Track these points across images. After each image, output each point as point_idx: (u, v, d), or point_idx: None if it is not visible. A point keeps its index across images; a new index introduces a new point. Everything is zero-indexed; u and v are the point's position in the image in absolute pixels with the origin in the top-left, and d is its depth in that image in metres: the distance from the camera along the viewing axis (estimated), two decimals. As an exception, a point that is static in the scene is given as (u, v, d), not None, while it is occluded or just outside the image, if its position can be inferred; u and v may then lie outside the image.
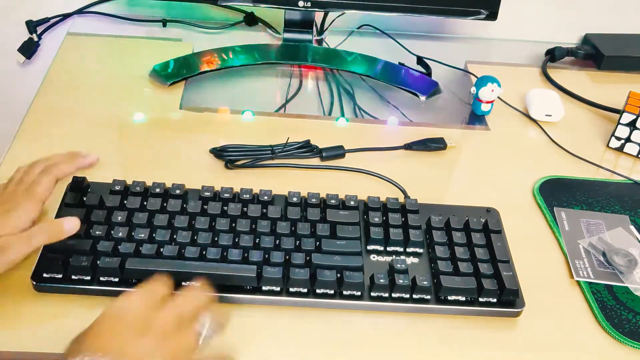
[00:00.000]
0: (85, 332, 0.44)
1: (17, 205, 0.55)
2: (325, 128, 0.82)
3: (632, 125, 0.81)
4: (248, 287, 0.58)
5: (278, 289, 0.58)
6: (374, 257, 0.62)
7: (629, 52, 1.00)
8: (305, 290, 0.58)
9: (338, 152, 0.76)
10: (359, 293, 0.58)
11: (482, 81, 0.84)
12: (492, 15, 0.88)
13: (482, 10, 0.87)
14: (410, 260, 0.62)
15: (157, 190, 0.65)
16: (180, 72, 0.88)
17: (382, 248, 0.63)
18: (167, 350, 0.43)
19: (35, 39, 1.00)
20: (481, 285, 0.58)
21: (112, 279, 0.57)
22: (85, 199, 0.63)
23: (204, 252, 0.58)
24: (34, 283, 0.56)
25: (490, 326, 0.59)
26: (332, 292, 0.58)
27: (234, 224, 0.62)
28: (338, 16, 1.01)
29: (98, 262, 0.57)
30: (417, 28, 1.05)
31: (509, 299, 0.59)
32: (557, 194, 0.74)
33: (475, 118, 0.87)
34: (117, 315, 0.44)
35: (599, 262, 0.65)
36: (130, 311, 0.45)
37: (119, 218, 0.61)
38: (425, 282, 0.58)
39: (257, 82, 0.92)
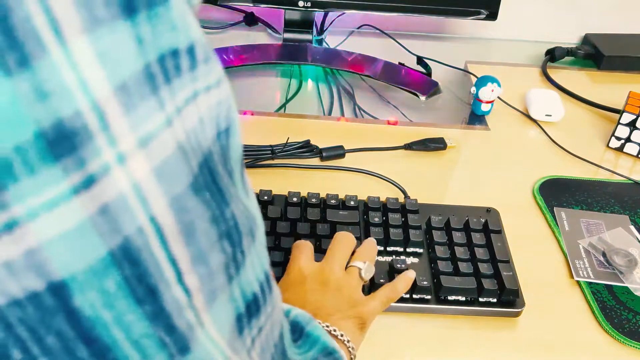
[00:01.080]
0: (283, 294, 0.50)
1: None
2: (325, 128, 0.82)
3: (632, 125, 0.81)
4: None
5: (278, 289, 0.58)
6: (374, 257, 0.62)
7: (629, 52, 1.00)
8: (305, 290, 0.58)
9: (338, 152, 0.76)
10: (359, 293, 0.58)
11: (482, 81, 0.84)
12: (492, 15, 0.88)
13: (482, 11, 0.87)
14: (410, 260, 0.62)
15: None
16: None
17: (382, 248, 0.63)
18: (346, 295, 0.50)
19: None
20: (481, 285, 0.58)
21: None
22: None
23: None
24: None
25: (491, 326, 0.59)
26: (332, 292, 0.58)
27: (234, 224, 0.62)
28: (338, 16, 1.01)
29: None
30: (417, 28, 1.05)
31: (509, 299, 0.59)
32: (557, 194, 0.74)
33: (475, 118, 0.87)
34: (299, 278, 0.51)
35: (599, 262, 0.65)
36: (305, 271, 0.51)
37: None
38: (425, 282, 0.58)
39: (257, 82, 0.92)
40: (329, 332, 0.47)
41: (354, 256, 0.54)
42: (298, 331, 0.40)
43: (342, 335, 0.47)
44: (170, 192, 0.22)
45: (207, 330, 0.24)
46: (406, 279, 0.55)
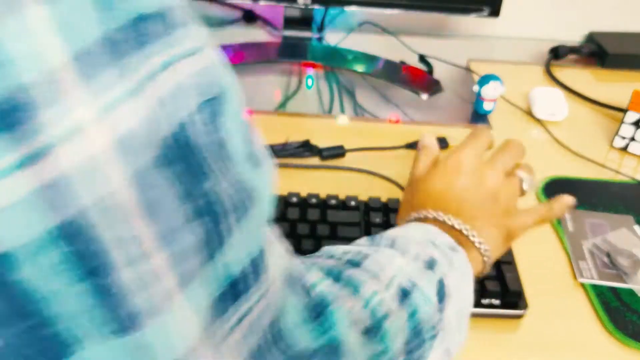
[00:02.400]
0: (424, 183, 0.49)
1: None
2: (325, 127, 0.81)
3: (636, 124, 0.80)
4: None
5: (277, 290, 0.57)
6: (374, 258, 0.61)
7: (633, 50, 0.99)
8: (304, 291, 0.57)
9: (338, 151, 0.75)
10: (359, 295, 0.57)
11: (485, 79, 0.83)
12: (495, 13, 0.87)
13: (484, 7, 0.87)
14: (412, 261, 0.61)
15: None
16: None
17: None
18: (501, 203, 0.49)
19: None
20: (484, 287, 0.58)
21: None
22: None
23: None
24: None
25: (493, 328, 0.58)
26: (331, 293, 0.57)
27: (232, 225, 0.61)
28: (338, 13, 1.01)
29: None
30: (419, 26, 1.04)
31: (512, 300, 0.58)
32: (560, 194, 0.73)
33: (478, 117, 0.86)
34: (456, 169, 0.49)
35: (603, 263, 0.64)
36: (466, 165, 0.49)
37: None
38: (426, 284, 0.57)
39: (256, 81, 0.91)
40: (467, 235, 0.45)
41: (519, 167, 0.53)
42: (319, 310, 0.35)
43: (479, 243, 0.46)
44: (133, 165, 0.20)
45: (175, 311, 0.23)
46: (563, 201, 0.53)
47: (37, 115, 0.19)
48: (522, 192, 0.51)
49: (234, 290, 0.26)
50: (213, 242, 0.24)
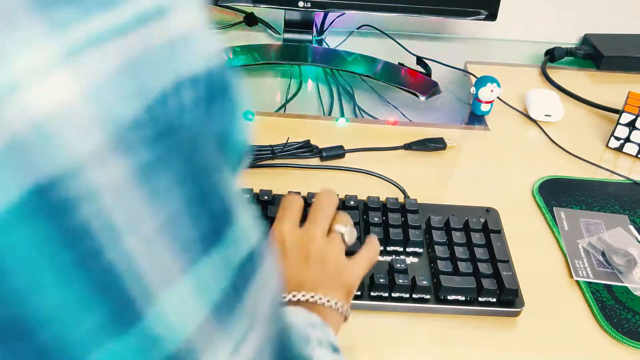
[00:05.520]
0: None
1: None
2: (325, 128, 0.82)
3: (631, 125, 0.81)
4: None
5: (278, 288, 0.58)
6: (373, 257, 0.62)
7: (628, 52, 1.00)
8: (305, 290, 0.58)
9: (338, 152, 0.76)
10: (358, 292, 0.58)
11: (482, 81, 0.84)
12: (492, 16, 0.88)
13: (481, 11, 0.88)
14: (410, 260, 0.62)
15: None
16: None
17: (382, 248, 0.63)
18: (330, 265, 0.48)
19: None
20: (481, 285, 0.59)
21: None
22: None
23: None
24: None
25: (490, 326, 0.59)
26: (332, 291, 0.58)
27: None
28: (338, 16, 1.01)
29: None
30: (417, 28, 1.05)
31: (508, 298, 0.59)
32: (556, 193, 0.74)
33: (475, 118, 0.87)
34: (281, 250, 0.49)
35: (598, 262, 0.65)
36: (287, 243, 0.49)
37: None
38: (424, 282, 0.58)
39: (257, 83, 0.92)
40: (319, 304, 0.45)
41: (334, 219, 0.52)
42: None
43: (329, 302, 0.46)
44: (110, 124, 0.17)
45: (174, 296, 0.21)
46: (372, 240, 0.54)
47: None
48: (346, 245, 0.52)
49: (242, 272, 0.24)
50: (222, 221, 0.22)
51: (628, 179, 0.78)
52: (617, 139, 0.82)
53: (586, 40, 1.04)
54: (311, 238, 0.50)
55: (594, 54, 1.00)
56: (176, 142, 0.20)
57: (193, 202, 0.20)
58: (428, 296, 0.59)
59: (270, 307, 0.26)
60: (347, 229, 0.52)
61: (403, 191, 0.72)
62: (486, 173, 0.77)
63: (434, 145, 0.79)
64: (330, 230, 0.52)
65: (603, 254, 0.66)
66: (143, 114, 0.18)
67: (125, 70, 0.18)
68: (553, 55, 0.99)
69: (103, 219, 0.18)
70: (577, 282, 0.63)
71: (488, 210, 0.68)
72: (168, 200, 0.19)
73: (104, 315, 0.19)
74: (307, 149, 0.76)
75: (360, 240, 0.55)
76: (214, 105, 0.21)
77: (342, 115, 0.85)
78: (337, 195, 0.55)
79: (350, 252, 0.52)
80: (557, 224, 0.70)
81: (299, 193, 0.66)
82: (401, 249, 0.63)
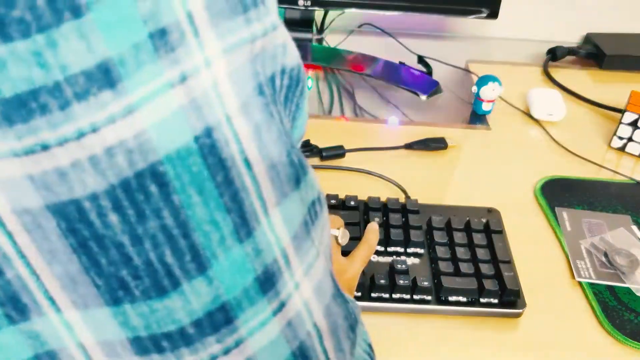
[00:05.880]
0: None
1: None
2: (325, 128, 0.82)
3: (634, 124, 0.80)
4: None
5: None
6: (374, 258, 0.62)
7: (631, 51, 1.00)
8: (305, 291, 0.58)
9: (338, 151, 0.76)
10: (359, 294, 0.58)
11: (483, 80, 0.84)
12: (493, 14, 0.88)
13: (483, 9, 0.87)
14: (411, 260, 0.62)
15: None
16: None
17: (382, 248, 0.62)
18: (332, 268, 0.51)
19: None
20: (482, 286, 0.58)
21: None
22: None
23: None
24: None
25: (492, 327, 0.58)
26: (332, 292, 0.58)
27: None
28: (338, 15, 1.01)
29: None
30: (418, 27, 1.05)
31: (510, 299, 0.59)
32: (558, 194, 0.74)
33: (476, 117, 0.86)
34: None
35: (600, 263, 0.65)
36: None
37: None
38: (425, 283, 0.58)
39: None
40: None
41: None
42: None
43: None
44: (240, 94, 0.25)
45: (272, 222, 0.27)
46: (373, 230, 0.56)
47: (183, 46, 0.23)
48: (340, 247, 0.54)
49: (311, 215, 0.30)
50: (300, 171, 0.29)
51: (631, 178, 0.77)
52: (620, 138, 0.81)
53: (588, 39, 1.03)
54: None
55: (596, 53, 1.00)
56: (275, 110, 0.27)
57: (287, 152, 0.28)
58: (429, 297, 0.58)
59: (328, 248, 0.32)
60: (339, 231, 0.53)
61: (404, 191, 0.71)
62: (488, 173, 0.77)
63: (435, 144, 0.79)
64: None
65: (605, 255, 0.65)
66: (257, 89, 0.26)
67: (250, 61, 0.26)
68: (555, 54, 0.99)
69: (234, 158, 0.25)
70: (580, 283, 0.63)
71: (490, 210, 0.68)
72: (271, 149, 0.27)
73: (232, 227, 0.26)
74: (306, 148, 0.75)
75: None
76: (297, 88, 0.30)
77: (343, 114, 0.85)
78: (355, 237, 0.56)
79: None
80: (559, 224, 0.69)
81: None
82: (402, 250, 0.63)
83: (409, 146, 0.78)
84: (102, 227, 0.23)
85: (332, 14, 1.00)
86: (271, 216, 0.27)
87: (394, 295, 0.58)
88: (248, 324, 0.27)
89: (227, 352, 0.27)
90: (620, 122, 0.81)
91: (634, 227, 0.70)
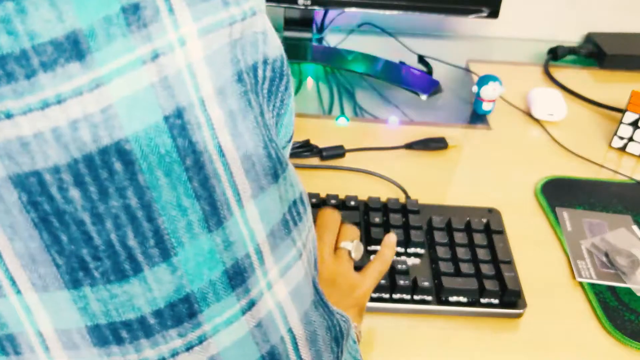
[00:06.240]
0: None
1: None
2: (325, 127, 0.82)
3: (634, 124, 0.80)
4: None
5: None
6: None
7: (632, 50, 0.99)
8: (305, 291, 0.57)
9: (338, 151, 0.76)
10: (359, 294, 0.58)
11: (484, 80, 0.83)
12: (494, 14, 0.87)
13: (483, 9, 0.87)
14: (411, 261, 0.62)
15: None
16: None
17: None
18: (341, 284, 0.49)
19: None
20: (483, 286, 0.58)
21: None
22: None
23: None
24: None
25: (492, 327, 0.58)
26: (332, 293, 0.57)
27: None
28: (338, 14, 1.01)
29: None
30: (418, 26, 1.05)
31: (510, 300, 0.58)
32: (559, 194, 0.73)
33: (477, 117, 0.86)
34: None
35: (601, 263, 0.65)
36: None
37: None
38: (426, 283, 0.58)
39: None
40: None
41: (339, 237, 0.53)
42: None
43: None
44: (217, 79, 0.25)
45: (246, 215, 0.26)
46: (390, 244, 0.54)
47: (155, 22, 0.23)
48: (353, 261, 0.52)
49: (292, 214, 0.29)
50: (278, 166, 0.28)
51: (631, 178, 0.77)
52: (621, 138, 0.81)
53: (589, 38, 1.03)
54: (319, 258, 0.49)
55: (597, 52, 1.00)
56: (254, 101, 0.27)
57: (264, 144, 0.27)
58: (429, 297, 0.58)
59: (312, 255, 0.31)
60: (353, 244, 0.52)
61: (404, 191, 0.71)
62: (488, 173, 0.76)
63: (436, 144, 0.78)
64: (336, 247, 0.52)
65: (606, 255, 0.65)
66: (236, 76, 0.26)
67: (228, 46, 0.25)
68: (556, 54, 0.99)
69: (206, 142, 0.24)
70: (580, 283, 0.63)
71: (490, 210, 0.68)
72: (247, 139, 0.26)
73: (201, 214, 0.25)
74: (306, 148, 0.75)
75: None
76: (280, 82, 0.29)
77: (343, 114, 0.85)
78: (339, 211, 0.54)
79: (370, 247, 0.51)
80: (559, 225, 0.69)
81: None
82: (402, 250, 0.62)
83: (409, 146, 0.78)
84: (63, 202, 0.23)
85: (332, 13, 1.00)
86: (246, 208, 0.26)
87: (394, 296, 0.58)
88: (213, 320, 0.26)
89: (189, 348, 0.26)
90: (621, 122, 0.81)
91: (635, 227, 0.69)
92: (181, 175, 0.24)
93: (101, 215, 0.23)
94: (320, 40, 0.99)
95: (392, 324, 0.57)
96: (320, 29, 1.00)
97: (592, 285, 0.62)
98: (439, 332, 0.57)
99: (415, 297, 0.58)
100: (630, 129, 0.80)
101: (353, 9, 0.89)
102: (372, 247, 0.62)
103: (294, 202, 0.29)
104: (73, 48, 0.22)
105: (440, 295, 0.58)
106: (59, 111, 0.22)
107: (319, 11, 0.98)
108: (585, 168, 0.79)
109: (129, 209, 0.24)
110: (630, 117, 0.80)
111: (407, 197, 0.70)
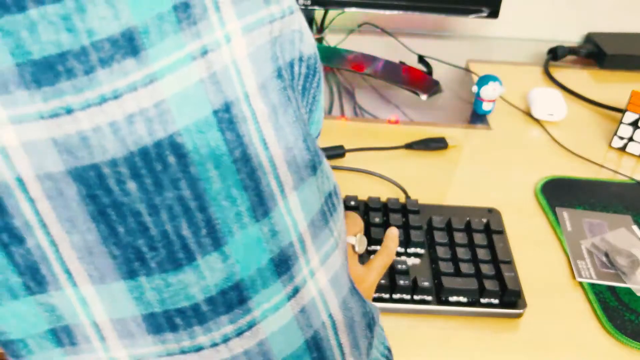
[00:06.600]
0: None
1: None
2: (325, 127, 0.82)
3: (634, 124, 0.80)
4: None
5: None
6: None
7: (632, 50, 0.99)
8: (305, 291, 0.57)
9: (338, 151, 0.76)
10: (359, 294, 0.58)
11: (484, 80, 0.83)
12: (494, 14, 0.87)
13: (483, 9, 0.87)
14: (411, 261, 0.62)
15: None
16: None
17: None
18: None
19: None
20: (483, 286, 0.58)
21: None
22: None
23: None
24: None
25: (492, 327, 0.58)
26: (332, 293, 0.57)
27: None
28: (338, 14, 1.01)
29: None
30: (418, 26, 1.05)
31: (510, 300, 0.58)
32: (559, 194, 0.73)
33: (477, 117, 0.86)
34: None
35: (601, 263, 0.65)
36: None
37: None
38: (426, 283, 0.58)
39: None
40: None
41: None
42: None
43: None
44: (259, 75, 0.26)
45: (289, 205, 0.27)
46: (393, 237, 0.54)
47: (204, 20, 0.24)
48: (357, 254, 0.52)
49: (328, 205, 0.30)
50: (316, 160, 0.29)
51: (631, 178, 0.77)
52: (621, 138, 0.81)
53: (589, 38, 1.03)
54: None
55: (597, 52, 1.00)
56: (292, 96, 0.27)
57: (303, 137, 0.28)
58: (429, 298, 0.58)
59: (344, 243, 0.32)
60: (356, 238, 0.52)
61: (404, 191, 0.71)
62: (488, 173, 0.76)
63: (436, 144, 0.78)
64: None
65: (606, 255, 0.65)
66: (276, 72, 0.26)
67: (269, 43, 0.26)
68: (556, 54, 0.99)
69: (251, 136, 0.25)
70: (580, 283, 0.63)
71: (490, 210, 0.68)
72: (287, 132, 0.27)
73: (249, 204, 0.25)
74: (307, 148, 0.75)
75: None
76: (313, 79, 0.30)
77: (343, 114, 0.85)
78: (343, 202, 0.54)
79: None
80: (559, 225, 0.69)
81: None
82: (402, 250, 0.62)
83: (409, 146, 0.78)
84: (121, 195, 0.24)
85: (332, 13, 1.00)
86: (289, 199, 0.27)
87: (394, 296, 0.58)
88: (262, 306, 0.27)
89: (239, 333, 0.27)
90: (621, 122, 0.81)
91: (635, 227, 0.69)
92: (230, 167, 0.25)
93: (157, 207, 0.24)
94: (320, 40, 0.99)
95: (392, 324, 0.57)
96: (320, 29, 1.00)
97: (592, 285, 0.62)
98: (439, 332, 0.57)
99: (415, 297, 0.58)
100: (630, 129, 0.80)
101: (353, 9, 0.89)
102: (373, 247, 0.62)
103: (329, 194, 0.30)
104: (128, 44, 0.22)
105: (440, 295, 0.58)
106: (115, 106, 0.23)
107: (319, 11, 0.98)
108: (585, 168, 0.79)
109: (182, 200, 0.24)
110: (630, 117, 0.80)
111: (407, 197, 0.70)
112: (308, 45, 0.29)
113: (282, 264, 0.27)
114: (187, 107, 0.24)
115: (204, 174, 0.24)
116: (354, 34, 1.02)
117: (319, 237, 0.29)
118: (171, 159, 0.24)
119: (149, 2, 0.23)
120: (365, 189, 0.70)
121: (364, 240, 0.52)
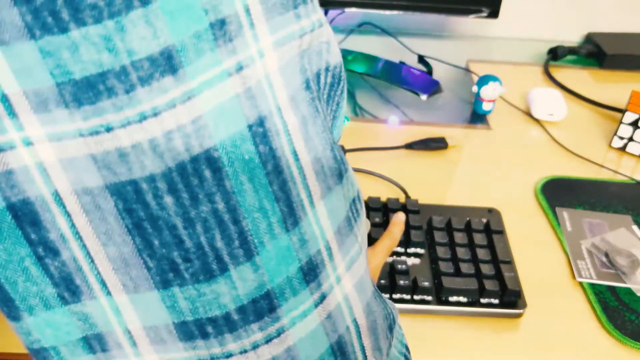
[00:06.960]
0: None
1: None
2: (326, 127, 0.82)
3: (634, 124, 0.80)
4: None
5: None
6: (374, 258, 0.62)
7: (632, 50, 0.99)
8: (305, 291, 0.57)
9: (338, 151, 0.75)
10: (359, 294, 0.58)
11: (484, 80, 0.83)
12: (494, 14, 0.87)
13: (483, 9, 0.87)
14: (411, 261, 0.62)
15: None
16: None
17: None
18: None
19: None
20: (483, 286, 0.58)
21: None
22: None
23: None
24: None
25: (492, 327, 0.58)
26: (332, 293, 0.58)
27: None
28: (338, 14, 1.01)
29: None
30: (418, 26, 1.05)
31: (510, 300, 0.58)
32: (559, 194, 0.73)
33: (477, 117, 0.86)
34: None
35: (601, 263, 0.65)
36: None
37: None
38: (426, 283, 0.58)
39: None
40: None
41: None
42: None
43: None
44: (289, 88, 0.26)
45: (317, 214, 0.28)
46: (399, 223, 0.56)
47: (240, 37, 0.24)
48: None
49: (352, 210, 0.31)
50: (342, 167, 0.30)
51: (631, 178, 0.77)
52: (621, 138, 0.81)
53: (589, 38, 1.03)
54: None
55: (597, 52, 1.00)
56: (319, 106, 0.28)
57: (330, 147, 0.28)
58: (429, 298, 0.58)
59: (366, 247, 0.33)
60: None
61: (404, 191, 0.71)
62: (488, 173, 0.76)
63: (436, 144, 0.78)
64: None
65: (606, 255, 0.65)
66: (304, 84, 0.27)
67: (298, 56, 0.27)
68: (556, 54, 0.99)
69: (283, 148, 0.26)
70: (580, 283, 0.63)
71: (490, 210, 0.68)
72: (316, 142, 0.27)
73: (280, 215, 0.26)
74: (307, 148, 0.75)
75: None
76: (338, 87, 0.31)
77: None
78: None
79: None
80: (559, 225, 0.69)
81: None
82: (402, 250, 0.62)
83: (409, 146, 0.78)
84: (157, 209, 0.24)
85: (332, 13, 1.00)
86: (317, 208, 0.28)
87: (394, 296, 0.58)
88: (290, 314, 0.27)
89: (269, 340, 0.27)
90: (621, 122, 0.81)
91: (635, 227, 0.69)
92: (262, 180, 0.25)
93: (192, 220, 0.25)
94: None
95: (392, 324, 0.57)
96: (321, 29, 1.00)
97: (592, 285, 0.62)
98: (439, 332, 0.57)
99: (415, 297, 0.58)
100: (630, 129, 0.80)
101: (353, 9, 0.89)
102: (372, 247, 0.62)
103: (354, 200, 0.31)
104: (167, 63, 0.23)
105: (440, 295, 0.58)
106: (155, 123, 0.23)
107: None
108: (585, 168, 0.79)
109: (216, 213, 0.25)
110: (630, 117, 0.80)
111: (407, 197, 0.70)
112: (334, 55, 0.30)
113: (310, 272, 0.28)
114: (223, 122, 0.24)
115: (238, 187, 0.25)
116: (354, 34, 1.02)
117: (345, 243, 0.30)
118: (207, 174, 0.24)
119: (186, 20, 0.23)
120: (366, 189, 0.70)
121: (368, 222, 0.54)
